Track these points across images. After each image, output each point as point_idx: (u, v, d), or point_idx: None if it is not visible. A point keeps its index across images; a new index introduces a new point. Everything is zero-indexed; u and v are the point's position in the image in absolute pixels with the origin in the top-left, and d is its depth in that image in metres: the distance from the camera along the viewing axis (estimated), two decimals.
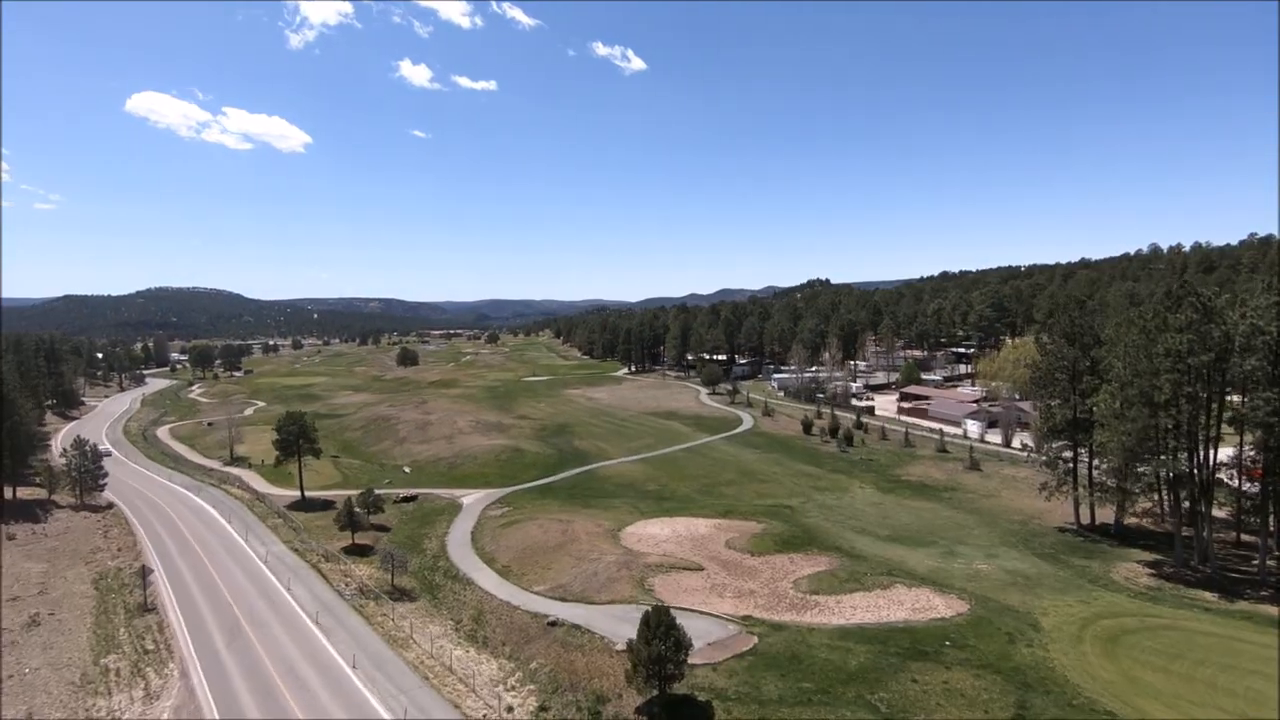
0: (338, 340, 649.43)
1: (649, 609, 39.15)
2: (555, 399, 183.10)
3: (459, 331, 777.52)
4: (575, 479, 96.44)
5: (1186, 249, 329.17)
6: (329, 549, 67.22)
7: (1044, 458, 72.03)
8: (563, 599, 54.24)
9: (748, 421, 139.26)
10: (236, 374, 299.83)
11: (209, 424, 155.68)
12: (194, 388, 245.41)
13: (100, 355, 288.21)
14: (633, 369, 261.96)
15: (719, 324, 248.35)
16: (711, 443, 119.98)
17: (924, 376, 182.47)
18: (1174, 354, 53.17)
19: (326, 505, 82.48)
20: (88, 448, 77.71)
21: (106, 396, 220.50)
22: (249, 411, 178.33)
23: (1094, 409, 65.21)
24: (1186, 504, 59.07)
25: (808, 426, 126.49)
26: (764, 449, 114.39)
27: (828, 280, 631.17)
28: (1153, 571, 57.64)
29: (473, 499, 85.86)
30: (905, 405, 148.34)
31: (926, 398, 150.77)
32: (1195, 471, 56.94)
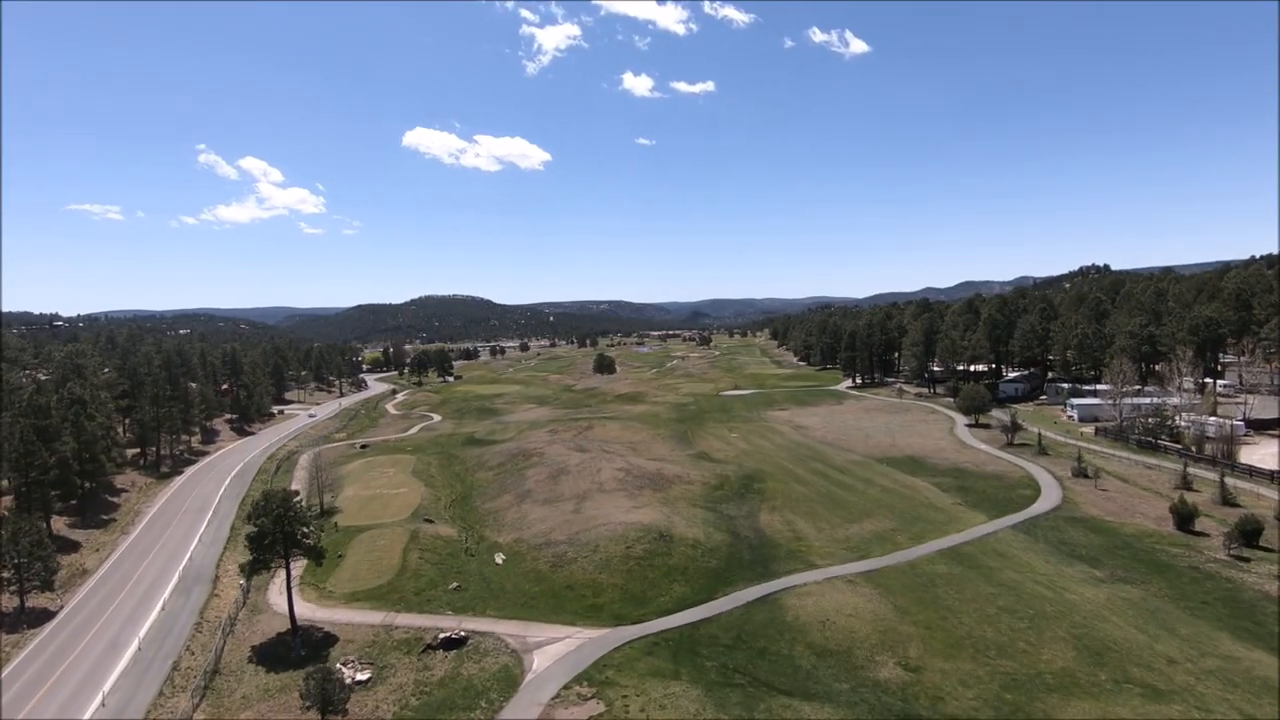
0: (564, 342, 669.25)
1: None
2: (752, 426, 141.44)
3: (677, 332, 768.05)
4: (742, 620, 54.35)
5: None
6: None
7: None
8: None
9: (1050, 487, 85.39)
10: (449, 379, 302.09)
11: (361, 446, 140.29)
12: (396, 396, 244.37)
13: (329, 358, 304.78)
14: (858, 381, 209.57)
15: (979, 325, 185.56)
16: (996, 538, 69.92)
17: None
18: None
19: (324, 643, 50.79)
20: (28, 529, 54.63)
21: (317, 404, 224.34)
22: (414, 430, 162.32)
23: None
24: None
25: (1185, 517, 70.00)
26: (1107, 569, 61.87)
27: (1107, 266, 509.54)
28: None
29: (550, 659, 48.50)
30: None
31: None
32: None
